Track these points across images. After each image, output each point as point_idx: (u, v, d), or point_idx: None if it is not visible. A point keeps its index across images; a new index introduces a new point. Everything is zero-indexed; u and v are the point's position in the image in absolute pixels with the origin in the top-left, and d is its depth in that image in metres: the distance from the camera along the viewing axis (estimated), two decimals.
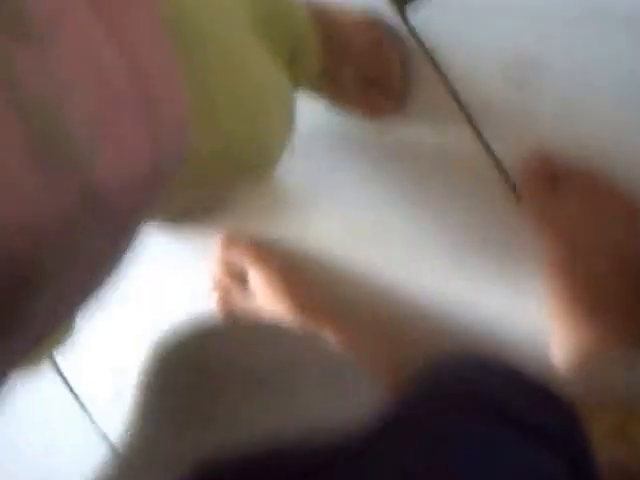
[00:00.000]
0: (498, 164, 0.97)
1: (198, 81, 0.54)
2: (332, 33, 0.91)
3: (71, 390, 1.18)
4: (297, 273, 1.03)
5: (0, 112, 0.35)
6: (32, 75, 0.37)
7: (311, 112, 0.98)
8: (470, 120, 0.96)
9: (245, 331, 0.66)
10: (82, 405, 1.18)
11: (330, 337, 0.98)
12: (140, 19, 0.45)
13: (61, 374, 1.17)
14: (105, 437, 1.17)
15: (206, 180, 0.62)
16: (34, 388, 1.15)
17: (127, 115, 0.42)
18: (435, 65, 0.96)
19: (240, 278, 1.03)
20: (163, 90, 0.46)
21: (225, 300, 1.04)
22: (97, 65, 0.41)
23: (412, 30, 0.96)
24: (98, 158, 0.40)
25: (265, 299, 1.01)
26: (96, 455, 1.14)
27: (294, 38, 0.81)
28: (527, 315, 0.99)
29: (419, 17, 0.96)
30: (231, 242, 1.03)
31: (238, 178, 0.70)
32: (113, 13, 0.43)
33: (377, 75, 0.95)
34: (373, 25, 0.95)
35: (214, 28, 0.58)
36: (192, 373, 0.59)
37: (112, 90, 0.41)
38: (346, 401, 0.57)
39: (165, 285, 1.07)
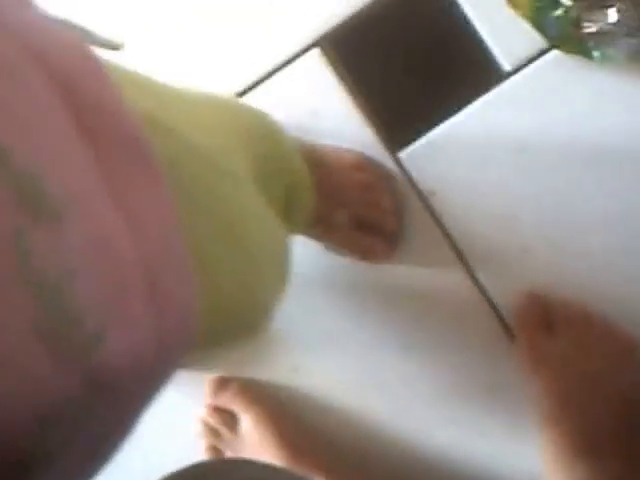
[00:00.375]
0: (492, 305, 0.97)
1: (195, 248, 0.54)
2: (326, 176, 0.91)
3: None
4: (287, 417, 1.00)
5: (14, 291, 0.35)
6: (46, 255, 0.37)
7: (305, 253, 0.98)
8: (464, 261, 0.97)
9: (242, 476, 0.65)
10: None
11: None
12: (153, 202, 0.45)
13: None
14: None
15: (202, 348, 0.60)
16: None
17: (135, 301, 0.42)
18: (429, 208, 0.97)
19: (230, 423, 1.00)
20: (172, 277, 0.46)
21: (214, 446, 1.00)
22: (108, 248, 0.41)
23: (405, 172, 0.98)
24: (104, 343, 0.39)
25: (255, 444, 0.97)
26: None
27: (290, 184, 0.81)
28: (521, 459, 0.97)
29: (412, 159, 0.98)
30: (220, 386, 1.00)
31: (231, 338, 0.68)
32: (127, 197, 0.43)
33: (371, 218, 0.95)
34: (366, 167, 0.97)
35: (211, 196, 0.58)
36: None
37: (121, 274, 0.41)
38: None
39: (153, 430, 1.03)
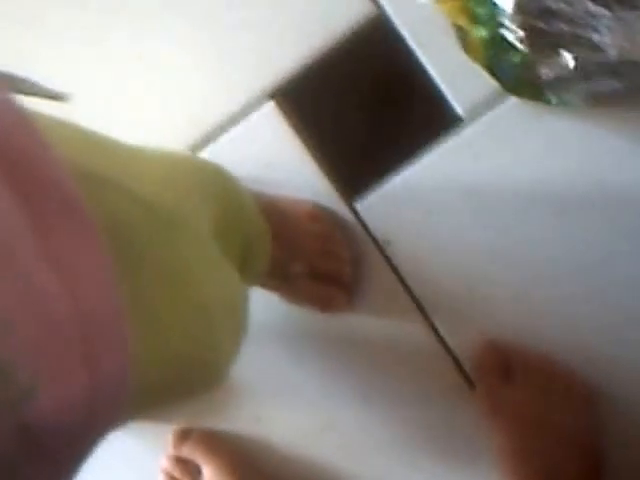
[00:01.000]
0: (451, 354, 0.97)
1: (138, 301, 0.53)
2: (282, 227, 0.91)
3: None
4: (248, 467, 1.00)
5: None
6: None
7: (263, 302, 0.98)
8: (421, 310, 0.97)
9: None
10: None
11: None
12: (87, 259, 0.44)
13: None
14: None
15: (153, 403, 0.61)
16: None
17: (69, 358, 0.42)
18: (385, 257, 0.97)
19: (192, 474, 1.00)
20: (107, 337, 0.45)
21: None
22: (43, 304, 0.41)
23: (361, 222, 0.97)
24: (36, 397, 0.39)
25: None
26: None
27: (247, 235, 0.81)
28: None
29: (368, 208, 0.97)
30: (182, 436, 1.01)
31: (186, 390, 0.68)
32: (62, 254, 0.43)
33: (327, 268, 0.95)
34: (322, 217, 0.97)
35: (155, 248, 0.57)
36: None
37: (56, 331, 0.41)
38: None
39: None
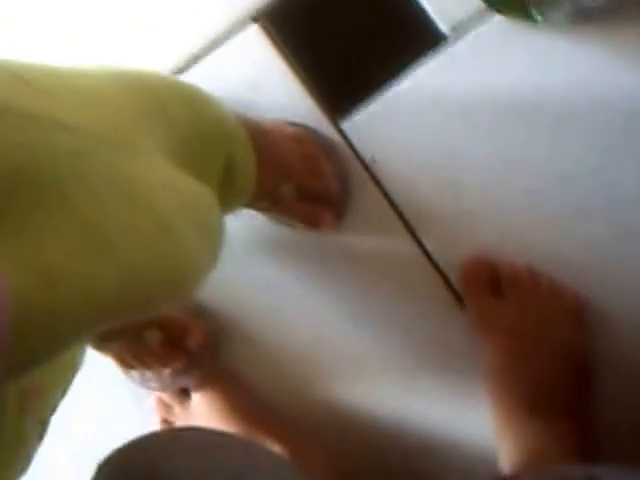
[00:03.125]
0: (439, 270, 0.98)
1: (84, 221, 0.53)
2: (268, 149, 0.91)
3: None
4: (239, 389, 1.01)
5: None
6: None
7: (250, 225, 0.98)
8: (409, 228, 0.98)
9: (192, 442, 0.65)
10: None
11: (274, 447, 0.96)
12: None
13: None
14: None
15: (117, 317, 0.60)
16: None
17: None
18: (372, 176, 0.98)
19: (181, 397, 1.01)
20: None
21: (166, 419, 1.02)
22: None
23: (348, 141, 0.98)
24: None
25: (204, 418, 0.99)
26: None
27: (229, 153, 0.81)
28: (474, 422, 0.98)
29: (354, 128, 0.98)
30: None
31: (155, 304, 0.68)
32: None
33: (315, 188, 0.96)
34: (308, 138, 0.97)
35: (103, 169, 0.57)
36: None
37: None
38: None
39: (107, 405, 1.04)
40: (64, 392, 0.66)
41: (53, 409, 0.66)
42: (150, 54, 0.99)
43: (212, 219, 0.71)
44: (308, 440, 0.99)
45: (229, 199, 0.83)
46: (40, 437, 0.67)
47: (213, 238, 0.70)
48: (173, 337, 0.98)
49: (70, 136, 0.55)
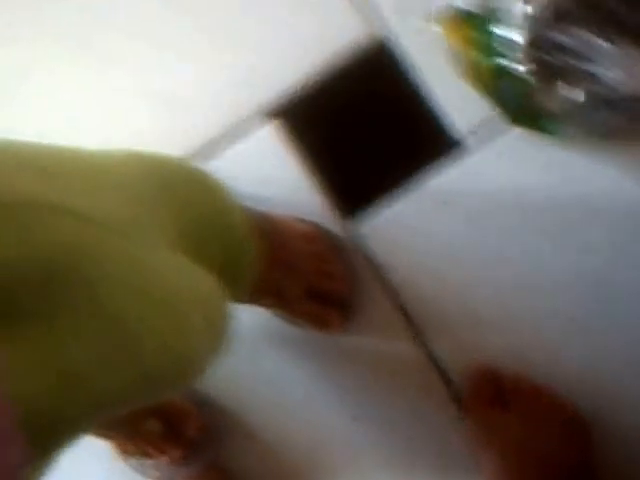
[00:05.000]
0: (444, 377, 0.97)
1: (110, 322, 0.54)
2: (278, 246, 0.91)
3: None
4: None
5: None
6: None
7: (255, 320, 0.98)
8: (416, 333, 0.97)
9: None
10: None
11: None
12: None
13: None
14: None
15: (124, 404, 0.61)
16: None
17: None
18: (381, 278, 0.97)
19: None
20: None
21: None
22: None
23: (358, 243, 0.98)
24: None
25: None
26: None
27: (231, 242, 0.80)
28: None
29: (365, 229, 0.98)
30: None
31: (159, 395, 0.68)
32: None
33: (324, 289, 0.95)
34: (319, 237, 0.97)
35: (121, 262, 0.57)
36: None
37: None
38: None
39: None
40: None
41: None
42: (165, 146, 0.99)
43: (221, 313, 0.71)
44: None
45: (228, 291, 0.83)
46: None
47: (220, 331, 0.71)
48: (172, 426, 0.98)
49: (97, 231, 0.56)
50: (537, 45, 0.85)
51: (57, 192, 0.56)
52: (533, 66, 0.89)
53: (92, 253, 0.55)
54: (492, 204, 0.95)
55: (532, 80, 0.90)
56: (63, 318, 0.52)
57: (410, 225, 0.97)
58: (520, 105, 0.92)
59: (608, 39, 0.86)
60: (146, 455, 0.98)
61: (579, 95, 0.88)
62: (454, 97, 0.95)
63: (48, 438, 0.51)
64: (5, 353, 0.48)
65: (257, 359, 1.00)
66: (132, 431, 0.97)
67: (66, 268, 0.52)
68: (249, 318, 0.98)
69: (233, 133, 0.99)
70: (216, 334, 0.70)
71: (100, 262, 0.55)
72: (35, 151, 0.60)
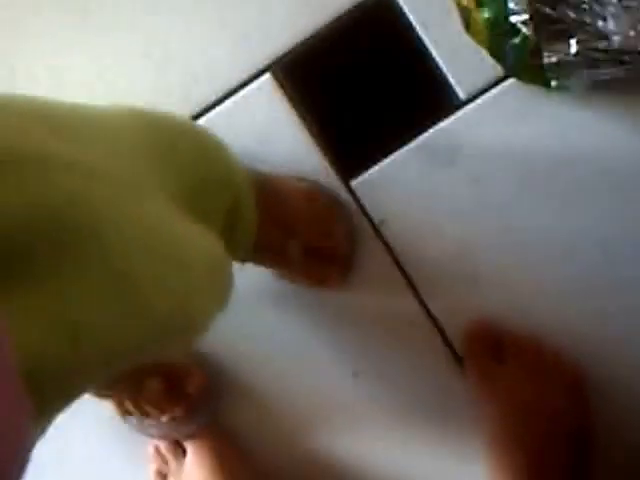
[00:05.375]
0: (442, 333, 0.97)
1: (117, 273, 0.54)
2: (277, 205, 0.91)
3: None
4: (231, 451, 1.01)
5: None
6: None
7: (255, 278, 0.98)
8: (414, 289, 0.97)
9: None
10: None
11: None
12: None
13: None
14: None
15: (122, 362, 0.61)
16: None
17: None
18: (380, 235, 0.97)
19: (176, 452, 1.01)
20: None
21: (160, 471, 1.02)
22: None
23: (357, 200, 0.97)
24: None
25: (197, 471, 0.99)
26: None
27: (232, 200, 0.80)
28: None
29: (364, 187, 0.97)
30: None
31: (162, 351, 0.68)
32: None
33: (323, 248, 0.95)
34: (318, 196, 0.96)
35: (113, 210, 0.57)
36: None
37: None
38: None
39: (101, 452, 1.05)
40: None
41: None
42: (161, 100, 0.98)
43: (225, 270, 0.72)
44: None
45: (228, 250, 0.83)
46: None
47: (224, 288, 0.72)
48: (173, 384, 0.98)
49: (101, 184, 0.56)
50: None
51: (67, 146, 0.56)
52: (536, 19, 0.88)
53: (102, 207, 0.55)
54: (495, 161, 0.95)
55: (535, 34, 0.89)
56: (73, 270, 0.52)
57: (410, 183, 0.96)
58: (523, 60, 0.91)
59: None
60: (146, 414, 0.98)
61: (576, 48, 0.88)
62: (458, 53, 0.94)
63: (55, 392, 0.51)
64: (12, 304, 0.48)
65: (256, 317, 1.00)
66: (132, 390, 0.97)
67: (76, 220, 0.52)
68: (249, 277, 0.97)
69: (232, 90, 0.98)
70: (219, 290, 0.71)
71: (110, 216, 0.55)
72: (43, 106, 0.59)
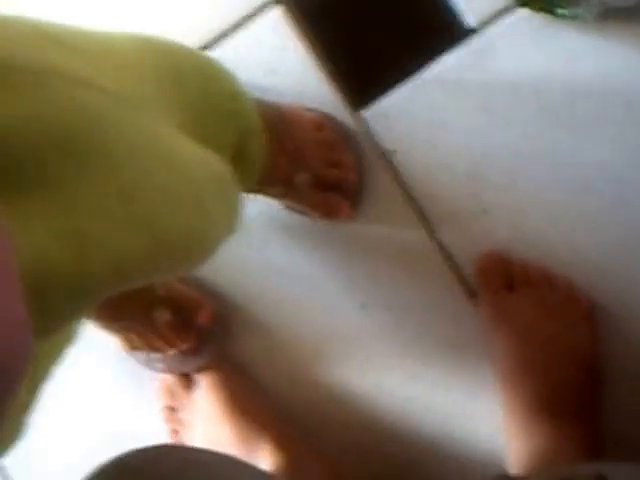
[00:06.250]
0: (453, 264, 0.97)
1: (126, 189, 0.54)
2: (286, 135, 0.90)
3: None
4: (242, 383, 1.00)
5: None
6: None
7: (261, 206, 0.97)
8: (425, 220, 0.97)
9: (188, 455, 0.65)
10: None
11: (268, 455, 0.95)
12: None
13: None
14: None
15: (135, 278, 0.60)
16: None
17: None
18: (390, 166, 0.97)
19: (185, 384, 1.00)
20: None
21: (169, 406, 1.01)
22: None
23: (367, 131, 0.97)
24: None
25: (207, 408, 0.98)
26: None
27: (241, 129, 0.80)
28: (482, 417, 0.97)
29: (374, 117, 0.97)
30: None
31: (172, 270, 0.68)
32: None
33: (332, 177, 0.95)
34: (327, 126, 0.96)
35: (122, 133, 0.56)
36: None
37: None
38: None
39: (114, 389, 1.04)
40: (56, 363, 0.66)
41: (45, 378, 0.65)
42: (172, 30, 0.97)
43: (234, 193, 0.72)
44: (305, 449, 0.98)
45: (242, 178, 0.82)
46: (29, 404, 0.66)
47: (233, 211, 0.71)
48: (182, 317, 0.97)
49: (112, 101, 0.56)
50: None
51: (80, 65, 0.56)
52: None
53: (115, 123, 0.55)
54: (506, 92, 0.94)
55: None
56: (81, 181, 0.51)
57: (420, 114, 0.96)
58: None
59: None
60: (154, 349, 0.97)
61: None
62: None
63: (58, 302, 0.50)
64: (16, 209, 0.48)
65: (265, 249, 0.99)
66: (140, 324, 0.96)
67: (88, 133, 0.52)
68: (257, 208, 0.97)
69: (239, 21, 0.97)
70: (228, 211, 0.71)
71: (121, 132, 0.55)
72: (54, 28, 0.59)
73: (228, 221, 0.70)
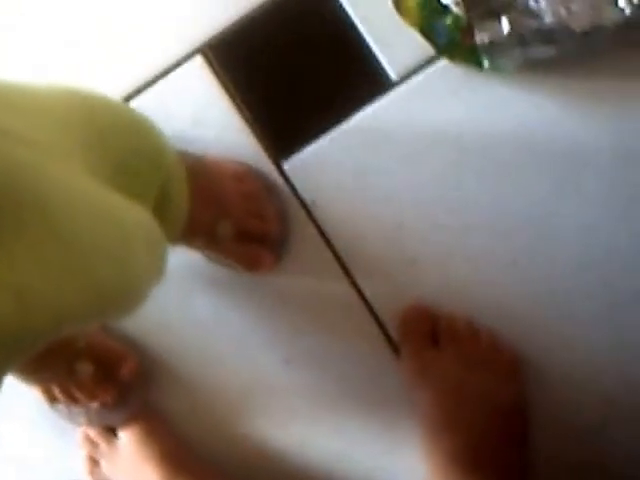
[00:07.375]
0: (376, 317, 0.96)
1: (60, 237, 0.54)
2: (207, 186, 0.90)
3: None
4: (167, 432, 0.99)
5: None
6: None
7: (187, 263, 0.97)
8: (347, 273, 0.96)
9: None
10: None
11: None
12: None
13: None
14: None
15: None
16: None
17: None
18: (312, 218, 0.96)
19: (107, 436, 0.99)
20: None
21: (91, 456, 1.00)
22: None
23: (289, 182, 0.96)
24: None
25: (132, 458, 0.97)
26: None
27: (162, 181, 0.79)
28: (403, 473, 0.96)
29: (296, 169, 0.96)
30: None
31: (104, 317, 0.68)
32: None
33: (254, 228, 0.94)
34: (249, 177, 0.95)
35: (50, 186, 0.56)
36: None
37: None
38: None
39: (31, 440, 1.03)
40: None
41: None
42: (95, 80, 0.97)
43: (161, 240, 0.72)
44: None
45: (165, 229, 0.82)
46: None
47: (161, 259, 0.71)
48: (104, 369, 0.96)
49: (43, 154, 0.56)
50: None
51: (7, 118, 0.56)
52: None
53: (47, 175, 0.55)
54: (426, 142, 0.94)
55: (466, 13, 0.89)
56: (15, 235, 0.51)
57: (343, 165, 0.95)
58: (455, 40, 0.91)
59: None
60: (74, 401, 0.96)
61: (508, 27, 0.88)
62: (388, 34, 0.93)
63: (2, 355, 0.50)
64: None
65: (187, 301, 0.98)
66: (61, 375, 0.95)
67: (23, 188, 0.52)
68: (180, 260, 0.96)
69: (162, 71, 0.97)
70: (157, 259, 0.70)
71: (54, 184, 0.55)
72: None
73: (157, 268, 0.70)
